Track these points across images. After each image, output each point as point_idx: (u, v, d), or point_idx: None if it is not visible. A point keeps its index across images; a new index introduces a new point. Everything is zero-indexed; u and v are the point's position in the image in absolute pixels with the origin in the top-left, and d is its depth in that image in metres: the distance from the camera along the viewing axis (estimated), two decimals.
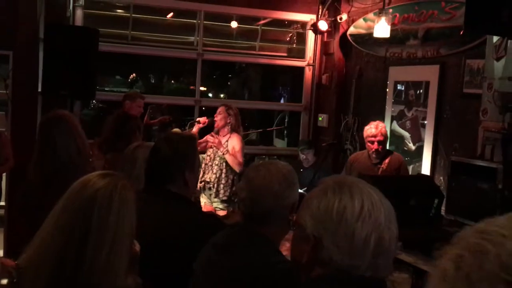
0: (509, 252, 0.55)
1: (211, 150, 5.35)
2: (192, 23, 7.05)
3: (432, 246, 2.46)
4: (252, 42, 7.69)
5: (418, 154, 5.28)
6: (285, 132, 9.66)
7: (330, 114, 6.85)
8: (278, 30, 7.91)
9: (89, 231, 1.56)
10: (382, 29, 5.23)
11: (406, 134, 5.50)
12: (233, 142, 5.29)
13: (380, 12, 5.26)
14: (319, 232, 1.31)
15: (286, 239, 1.96)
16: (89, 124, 8.79)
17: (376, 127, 4.73)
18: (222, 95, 11.79)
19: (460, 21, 4.43)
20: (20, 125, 5.62)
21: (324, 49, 7.02)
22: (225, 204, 5.30)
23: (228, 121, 5.33)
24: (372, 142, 4.71)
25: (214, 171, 5.27)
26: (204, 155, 5.33)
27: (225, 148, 5.22)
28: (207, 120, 5.58)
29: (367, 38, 6.13)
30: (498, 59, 4.15)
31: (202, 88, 7.65)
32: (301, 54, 7.34)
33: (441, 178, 4.95)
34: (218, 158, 5.26)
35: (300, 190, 2.05)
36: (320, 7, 6.91)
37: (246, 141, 6.73)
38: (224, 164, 5.26)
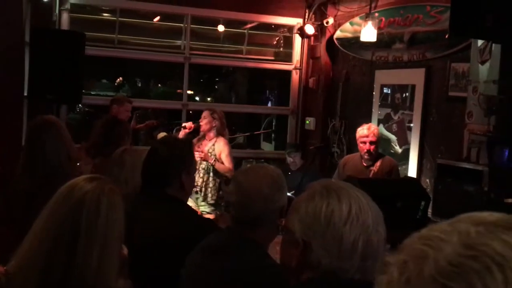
0: (446, 256, 0.56)
1: (196, 153, 5.35)
2: (179, 26, 7.05)
3: None
4: (239, 46, 7.70)
5: (404, 157, 5.32)
6: (273, 135, 9.69)
7: (317, 118, 6.87)
8: (265, 34, 7.93)
9: (78, 235, 1.56)
10: (368, 33, 5.27)
11: (393, 137, 5.54)
12: (220, 146, 5.29)
13: (367, 16, 5.30)
14: (308, 236, 1.32)
15: (276, 243, 1.97)
16: (75, 128, 8.73)
17: (369, 128, 4.75)
18: (209, 99, 11.80)
19: (445, 25, 4.47)
20: (5, 129, 5.57)
21: (311, 53, 7.05)
22: (212, 208, 5.30)
23: (214, 125, 5.33)
24: (364, 143, 4.71)
25: (201, 175, 5.26)
26: None
27: (213, 159, 5.21)
28: (193, 125, 5.58)
29: (353, 42, 6.17)
30: (482, 63, 4.20)
31: (189, 92, 7.64)
32: (288, 58, 7.37)
33: (427, 180, 5.00)
34: (204, 162, 5.26)
35: (288, 194, 2.06)
36: (307, 11, 6.94)
37: (233, 145, 6.74)
38: (211, 168, 5.26)
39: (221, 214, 5.24)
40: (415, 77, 5.25)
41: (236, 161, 6.33)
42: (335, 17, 6.53)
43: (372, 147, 4.69)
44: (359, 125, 4.89)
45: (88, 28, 6.24)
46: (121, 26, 6.91)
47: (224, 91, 12.08)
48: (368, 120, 5.74)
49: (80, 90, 5.65)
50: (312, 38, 6.92)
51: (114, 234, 1.62)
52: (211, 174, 5.26)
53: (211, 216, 5.18)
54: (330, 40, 6.61)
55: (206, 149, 5.27)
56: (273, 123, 9.46)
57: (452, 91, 4.75)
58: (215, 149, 5.28)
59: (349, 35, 6.30)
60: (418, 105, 5.20)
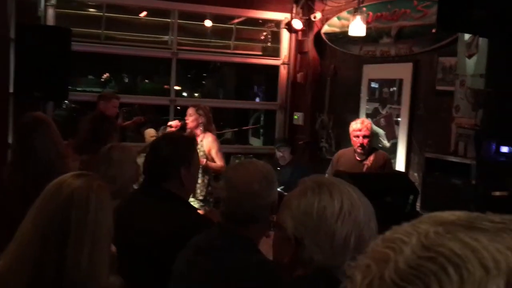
0: (406, 258, 0.56)
1: None
2: (166, 22, 7.01)
3: None
4: (226, 41, 7.69)
5: (392, 151, 5.34)
6: (261, 131, 9.68)
7: (305, 112, 6.88)
8: (253, 29, 7.92)
9: (67, 233, 1.55)
10: (357, 27, 5.27)
11: (381, 131, 5.55)
12: (208, 143, 5.27)
13: (355, 10, 5.30)
14: (300, 232, 1.32)
15: (269, 239, 1.96)
16: (62, 125, 8.66)
17: (362, 122, 4.80)
18: (196, 95, 11.75)
19: (433, 19, 4.49)
20: None
21: (299, 47, 7.05)
22: (201, 204, 5.28)
23: (200, 121, 5.31)
24: (357, 137, 4.74)
25: None
26: None
27: (204, 159, 5.19)
28: (179, 124, 5.55)
29: (341, 37, 6.17)
30: (470, 57, 4.22)
31: (176, 88, 7.61)
32: (275, 53, 7.36)
33: (415, 174, 5.02)
34: None
35: (277, 189, 2.05)
36: (294, 5, 6.93)
37: (221, 141, 6.73)
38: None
39: (210, 210, 5.23)
40: (403, 71, 5.26)
41: (225, 157, 6.32)
42: (322, 11, 6.52)
43: (365, 141, 4.73)
44: (348, 119, 4.92)
45: (74, 23, 6.20)
46: (108, 21, 6.86)
47: (211, 87, 12.05)
48: (356, 114, 5.75)
49: (67, 87, 5.61)
50: (299, 33, 6.92)
51: (104, 230, 1.61)
52: (200, 170, 5.24)
53: (200, 212, 5.17)
54: (318, 35, 6.60)
55: None
56: (261, 119, 9.46)
57: (439, 85, 4.77)
58: (204, 145, 5.26)
59: (336, 29, 6.30)
60: (405, 99, 5.22)
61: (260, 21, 7.65)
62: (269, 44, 7.79)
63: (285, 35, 7.14)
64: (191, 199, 5.26)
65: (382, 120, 5.56)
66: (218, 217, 1.98)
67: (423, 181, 4.42)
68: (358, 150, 4.77)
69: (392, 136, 5.41)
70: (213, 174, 5.24)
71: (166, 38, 7.15)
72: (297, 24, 6.67)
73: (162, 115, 8.03)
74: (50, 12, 6.22)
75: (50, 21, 6.21)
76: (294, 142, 6.61)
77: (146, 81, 12.33)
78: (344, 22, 6.08)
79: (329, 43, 6.42)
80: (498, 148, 3.64)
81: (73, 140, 5.45)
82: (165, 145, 2.40)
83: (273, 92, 7.63)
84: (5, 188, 2.91)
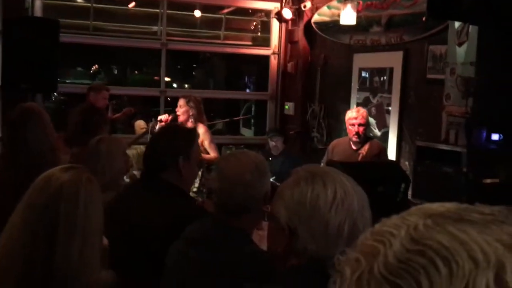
0: (395, 252, 0.55)
1: None
2: (155, 12, 6.95)
3: None
4: (216, 31, 7.64)
5: (383, 140, 5.35)
6: (252, 121, 9.66)
7: (296, 102, 6.86)
8: (242, 18, 7.88)
9: (57, 227, 1.53)
10: (348, 16, 5.26)
11: (372, 121, 5.56)
12: (200, 134, 5.24)
13: None
14: (293, 222, 1.32)
15: (262, 229, 1.96)
16: (51, 117, 8.59)
17: (358, 111, 4.82)
18: (187, 85, 11.69)
19: (423, 7, 4.48)
20: None
21: (289, 37, 7.02)
22: (194, 195, 5.27)
23: (191, 113, 5.27)
24: (353, 125, 4.76)
25: None
26: None
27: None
28: (169, 117, 5.51)
29: (331, 26, 6.15)
30: (460, 45, 4.22)
31: (166, 79, 7.56)
32: (266, 43, 7.32)
33: (407, 163, 5.03)
34: None
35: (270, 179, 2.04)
36: None
37: (212, 131, 6.69)
38: None
39: (203, 200, 5.22)
40: (393, 60, 5.26)
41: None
42: (312, 1, 6.50)
43: (361, 129, 4.75)
44: (339, 109, 4.92)
45: (62, 15, 6.13)
46: (96, 12, 6.79)
47: (202, 78, 11.99)
48: (347, 104, 5.75)
49: (55, 78, 5.56)
50: (289, 22, 6.89)
51: (94, 224, 1.60)
52: None
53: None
54: (308, 24, 6.58)
55: None
56: (252, 109, 9.43)
57: (430, 73, 4.77)
58: None
59: (327, 19, 6.28)
60: (396, 88, 5.22)
61: (250, 10, 7.61)
62: (259, 34, 7.75)
63: (275, 24, 7.11)
64: None
65: (373, 109, 5.56)
66: (213, 208, 1.97)
67: (414, 170, 4.43)
68: (354, 139, 4.79)
69: (383, 125, 5.42)
70: (206, 165, 5.22)
71: (155, 28, 7.09)
72: (287, 13, 6.64)
73: (152, 106, 7.98)
74: (38, 3, 6.14)
75: (38, 12, 6.14)
76: (285, 132, 6.60)
77: (136, 72, 12.26)
78: (334, 11, 6.06)
79: (319, 32, 6.40)
80: (488, 136, 3.65)
81: (64, 133, 5.41)
82: (162, 136, 2.42)
83: (263, 82, 7.61)
84: None
